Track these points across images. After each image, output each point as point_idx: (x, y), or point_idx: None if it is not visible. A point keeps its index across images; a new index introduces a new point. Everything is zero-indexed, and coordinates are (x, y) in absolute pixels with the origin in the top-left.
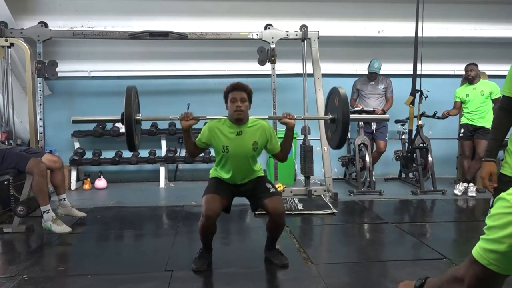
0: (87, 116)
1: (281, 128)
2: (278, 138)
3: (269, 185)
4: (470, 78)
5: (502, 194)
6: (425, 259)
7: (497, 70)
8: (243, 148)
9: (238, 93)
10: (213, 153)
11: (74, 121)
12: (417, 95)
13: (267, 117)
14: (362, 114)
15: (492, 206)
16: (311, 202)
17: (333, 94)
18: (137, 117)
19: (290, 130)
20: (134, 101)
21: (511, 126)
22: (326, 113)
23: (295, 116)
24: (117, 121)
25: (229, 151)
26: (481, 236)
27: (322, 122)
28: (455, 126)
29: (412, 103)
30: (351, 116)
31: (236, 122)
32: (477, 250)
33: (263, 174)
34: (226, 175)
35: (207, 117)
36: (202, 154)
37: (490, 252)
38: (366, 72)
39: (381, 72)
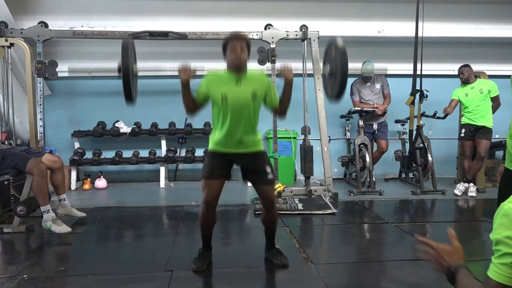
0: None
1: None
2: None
3: (268, 169)
4: (463, 80)
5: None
6: (425, 259)
7: (497, 70)
8: (242, 96)
9: (237, 42)
10: None
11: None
12: (417, 95)
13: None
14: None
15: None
16: (311, 202)
17: (331, 45)
18: (134, 70)
19: (288, 84)
20: (131, 52)
21: None
22: (324, 66)
23: (293, 70)
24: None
25: (228, 99)
26: (492, 256)
27: (322, 122)
28: (455, 126)
29: (413, 103)
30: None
31: (235, 70)
32: (493, 269)
33: (263, 149)
34: (224, 133)
35: (205, 68)
36: (202, 154)
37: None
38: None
39: (381, 72)
